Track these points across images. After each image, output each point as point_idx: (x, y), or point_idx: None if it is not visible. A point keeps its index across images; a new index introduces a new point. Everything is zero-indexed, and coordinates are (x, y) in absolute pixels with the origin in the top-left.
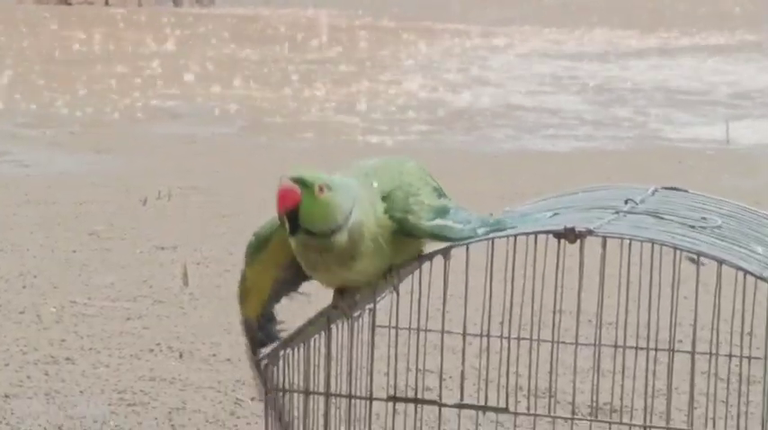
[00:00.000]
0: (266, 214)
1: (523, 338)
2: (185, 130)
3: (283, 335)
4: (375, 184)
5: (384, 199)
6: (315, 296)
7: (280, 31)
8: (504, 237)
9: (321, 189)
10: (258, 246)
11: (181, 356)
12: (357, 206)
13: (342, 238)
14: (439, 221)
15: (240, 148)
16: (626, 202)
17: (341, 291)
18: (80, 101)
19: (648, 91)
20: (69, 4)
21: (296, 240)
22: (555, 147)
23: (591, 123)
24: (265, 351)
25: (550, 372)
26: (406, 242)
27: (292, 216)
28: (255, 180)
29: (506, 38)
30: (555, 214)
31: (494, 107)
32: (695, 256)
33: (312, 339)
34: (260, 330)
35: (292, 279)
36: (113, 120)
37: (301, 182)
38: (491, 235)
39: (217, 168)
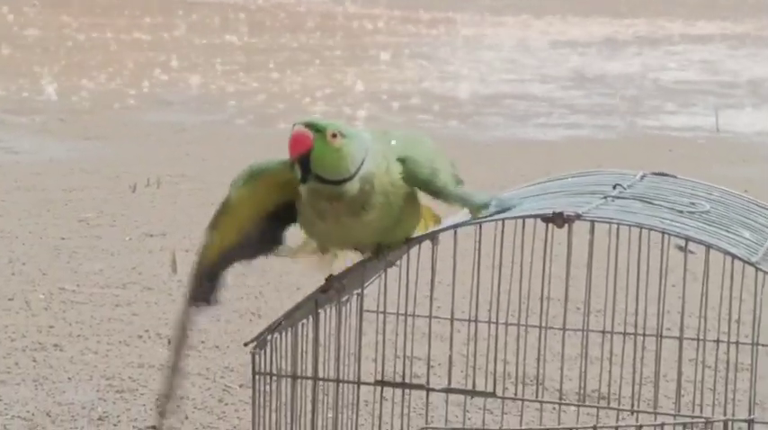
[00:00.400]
0: None
1: (511, 324)
2: (175, 118)
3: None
4: (393, 142)
5: (402, 161)
6: (303, 285)
7: (270, 19)
8: (491, 221)
9: (334, 135)
10: (250, 176)
11: (169, 343)
12: (369, 157)
13: (353, 187)
14: (459, 191)
15: (230, 136)
16: (614, 187)
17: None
18: (70, 87)
19: (639, 79)
20: None
21: (306, 187)
22: (545, 136)
23: (581, 112)
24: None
25: (538, 359)
26: (413, 209)
27: (304, 161)
28: (244, 168)
29: (497, 26)
30: (543, 199)
31: (484, 95)
32: (683, 244)
33: (300, 324)
34: (201, 284)
35: (257, 240)
36: (103, 107)
37: (314, 127)
38: (499, 214)
39: (206, 156)
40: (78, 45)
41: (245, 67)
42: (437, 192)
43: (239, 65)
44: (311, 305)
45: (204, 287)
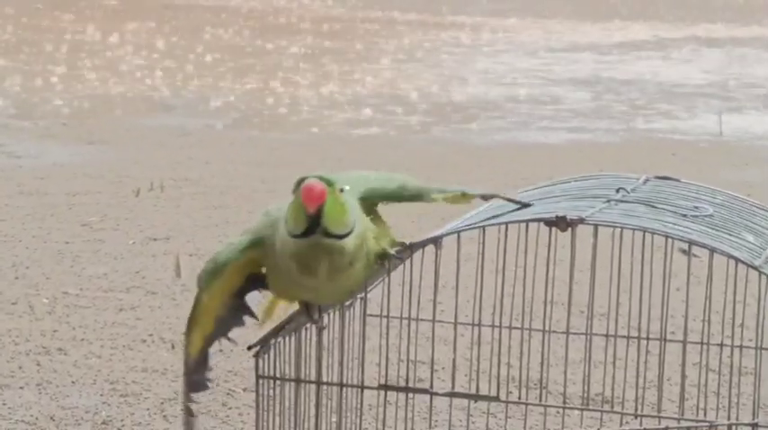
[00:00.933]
0: (257, 205)
1: (515, 328)
2: (177, 122)
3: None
4: (347, 187)
5: (364, 198)
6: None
7: (271, 22)
8: (495, 225)
9: (341, 190)
10: (215, 272)
11: (173, 347)
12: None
13: (352, 242)
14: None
15: (232, 140)
16: (617, 191)
17: (306, 306)
18: (72, 92)
19: (641, 83)
20: None
21: (307, 242)
22: (548, 140)
23: (584, 115)
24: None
25: (542, 363)
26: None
27: (316, 215)
28: (247, 172)
29: (499, 30)
30: (546, 203)
31: (486, 99)
32: (687, 248)
33: (303, 328)
34: (194, 373)
35: (230, 318)
36: (106, 111)
37: (326, 181)
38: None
39: (209, 160)
40: (81, 48)
41: (248, 71)
42: (416, 195)
43: (242, 68)
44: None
45: (199, 374)
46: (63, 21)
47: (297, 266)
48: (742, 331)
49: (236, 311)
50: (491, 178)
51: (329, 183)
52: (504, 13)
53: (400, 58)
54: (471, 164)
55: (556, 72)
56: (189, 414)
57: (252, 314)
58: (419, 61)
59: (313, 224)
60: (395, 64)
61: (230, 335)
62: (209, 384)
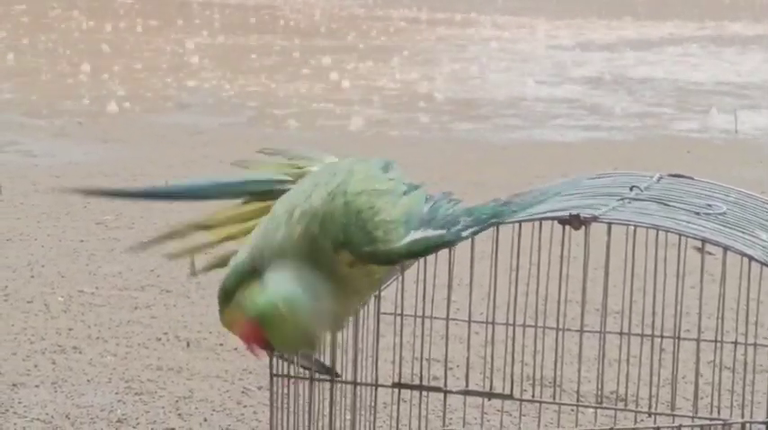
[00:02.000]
0: None
1: (529, 326)
2: (191, 120)
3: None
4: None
5: (345, 245)
6: None
7: (281, 20)
8: (509, 223)
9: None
10: (227, 299)
11: (188, 345)
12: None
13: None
14: (414, 235)
15: (247, 138)
16: (631, 189)
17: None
18: (87, 90)
19: (656, 81)
20: None
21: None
22: (563, 138)
23: (599, 113)
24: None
25: (555, 361)
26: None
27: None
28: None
29: (513, 28)
30: (559, 201)
31: (502, 97)
32: (700, 246)
33: None
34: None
35: None
36: (120, 110)
37: (257, 317)
38: (481, 227)
39: (223, 158)
40: (96, 48)
41: (260, 69)
42: (387, 261)
43: (256, 67)
44: None
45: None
46: (74, 18)
47: (347, 288)
48: (756, 329)
49: None
50: (506, 176)
51: (259, 316)
52: (518, 10)
53: (411, 57)
54: (486, 162)
55: (570, 70)
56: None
57: None
58: (432, 60)
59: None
60: (407, 62)
61: None
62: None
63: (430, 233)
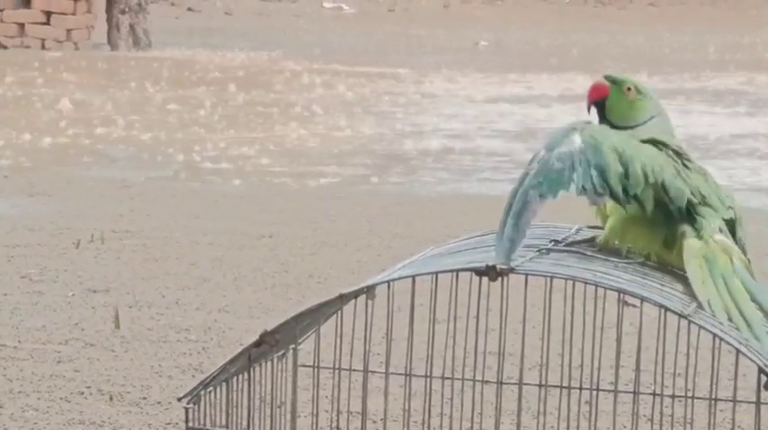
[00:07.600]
0: (198, 257)
1: (446, 378)
2: (119, 174)
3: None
4: None
5: None
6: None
7: (216, 74)
8: (425, 274)
9: (629, 89)
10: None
11: (111, 399)
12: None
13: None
14: None
15: (174, 193)
16: (550, 241)
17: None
18: (14, 144)
19: None
20: (5, 47)
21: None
22: (490, 190)
23: (524, 167)
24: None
25: (472, 413)
26: None
27: (600, 108)
28: (187, 224)
29: (438, 81)
30: (477, 252)
31: (428, 150)
32: (625, 298)
33: (234, 378)
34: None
35: None
36: (47, 163)
37: (612, 80)
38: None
39: (150, 212)
40: (23, 101)
41: (191, 123)
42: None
43: (184, 121)
44: (245, 359)
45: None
46: (4, 74)
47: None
48: (674, 379)
49: None
50: (431, 229)
51: (614, 82)
52: (444, 65)
53: (338, 110)
54: (412, 215)
55: (497, 123)
56: None
57: None
58: (357, 113)
59: (601, 116)
60: (334, 116)
61: None
62: None
63: None
